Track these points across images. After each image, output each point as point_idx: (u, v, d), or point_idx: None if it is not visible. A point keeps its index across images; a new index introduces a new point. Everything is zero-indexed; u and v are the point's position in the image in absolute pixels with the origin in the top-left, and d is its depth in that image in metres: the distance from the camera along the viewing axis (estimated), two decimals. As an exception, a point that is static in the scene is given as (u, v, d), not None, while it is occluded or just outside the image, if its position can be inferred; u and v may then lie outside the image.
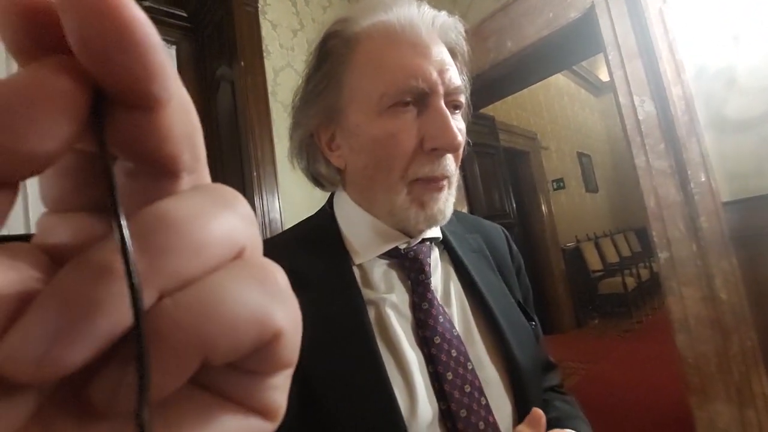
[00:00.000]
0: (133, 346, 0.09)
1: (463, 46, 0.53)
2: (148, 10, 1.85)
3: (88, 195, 0.12)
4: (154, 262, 0.10)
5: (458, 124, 0.48)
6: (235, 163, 1.82)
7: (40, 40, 0.10)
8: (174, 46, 1.97)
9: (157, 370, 0.10)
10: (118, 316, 0.09)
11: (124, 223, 0.09)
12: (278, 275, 0.12)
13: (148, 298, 0.10)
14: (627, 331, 4.01)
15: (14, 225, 1.42)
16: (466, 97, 0.52)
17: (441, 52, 0.48)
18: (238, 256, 0.12)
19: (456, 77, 0.48)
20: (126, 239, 0.09)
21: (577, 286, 4.51)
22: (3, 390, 0.09)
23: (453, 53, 0.52)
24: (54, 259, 0.11)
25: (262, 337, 0.11)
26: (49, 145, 0.09)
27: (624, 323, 4.21)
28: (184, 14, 1.99)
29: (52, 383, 0.10)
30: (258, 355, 0.11)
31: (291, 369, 0.13)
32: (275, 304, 0.11)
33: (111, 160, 0.10)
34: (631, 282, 4.42)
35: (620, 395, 2.57)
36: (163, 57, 0.10)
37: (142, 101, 0.10)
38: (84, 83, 0.09)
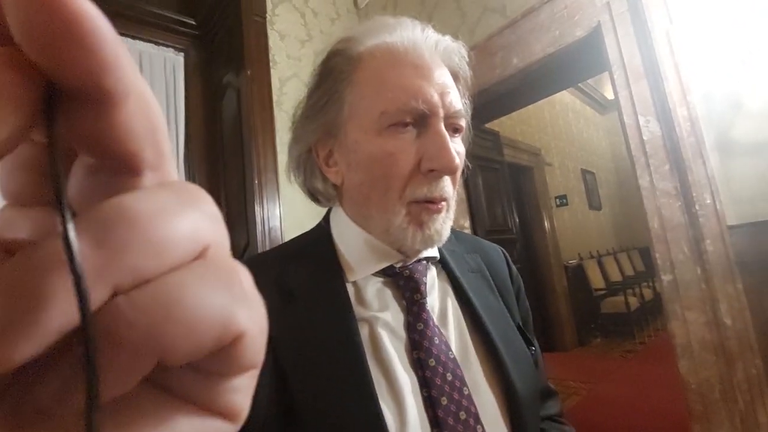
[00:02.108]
0: (82, 345, 0.09)
1: (466, 70, 0.53)
2: (157, 18, 1.88)
3: (48, 189, 0.11)
4: (109, 256, 0.09)
5: (457, 147, 0.48)
6: (238, 169, 1.82)
7: None
8: (182, 53, 1.99)
9: (108, 369, 0.09)
10: (63, 310, 0.09)
11: (68, 215, 0.09)
12: (242, 276, 0.12)
13: (100, 294, 0.09)
14: (629, 351, 3.94)
15: None
16: (467, 121, 0.52)
17: (443, 75, 0.48)
18: (202, 255, 0.11)
19: (457, 101, 0.48)
20: (69, 231, 0.09)
21: (579, 304, 4.46)
22: None
23: (455, 77, 0.52)
24: (11, 254, 0.10)
25: (222, 338, 0.11)
26: None
27: (626, 343, 4.15)
28: (193, 22, 2.01)
29: None
30: (219, 357, 0.11)
31: (255, 371, 0.13)
32: (238, 306, 0.11)
33: (59, 152, 0.10)
34: (633, 302, 4.37)
35: (622, 418, 2.51)
36: (117, 50, 0.09)
37: (96, 96, 0.10)
38: (32, 76, 0.09)
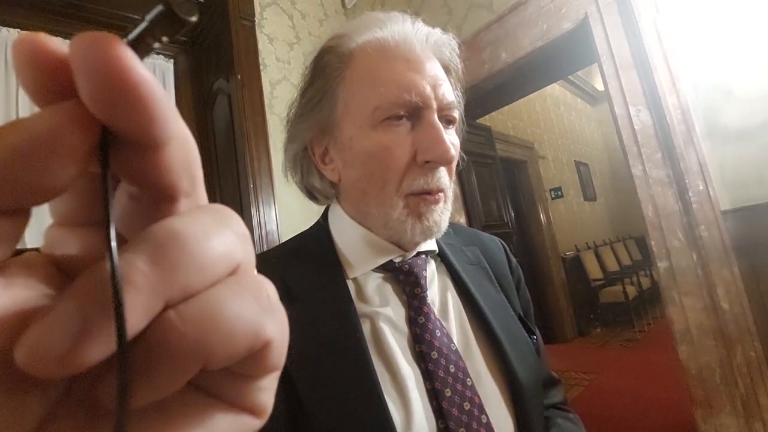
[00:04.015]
0: (140, 349, 0.10)
1: (457, 63, 0.54)
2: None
3: (94, 212, 0.13)
4: (163, 274, 0.11)
5: (451, 138, 0.48)
6: (232, 175, 1.81)
7: (53, 87, 0.11)
8: (171, 60, 1.98)
9: (160, 374, 0.11)
10: (132, 320, 0.10)
11: (114, 246, 0.10)
12: (270, 290, 0.13)
13: (155, 307, 0.11)
14: (629, 340, 3.97)
15: None
16: (460, 113, 0.52)
17: (434, 68, 0.48)
18: (234, 272, 0.13)
19: (449, 92, 0.48)
20: (115, 259, 0.10)
21: (578, 295, 4.48)
22: (20, 387, 0.10)
23: (447, 70, 0.52)
24: (62, 268, 0.12)
25: (254, 346, 0.12)
26: (58, 180, 0.10)
27: (626, 332, 4.17)
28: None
29: (65, 383, 0.11)
30: (249, 361, 0.13)
31: (278, 372, 0.15)
32: (266, 317, 0.13)
33: (111, 190, 0.11)
34: (631, 291, 4.40)
35: (624, 407, 2.53)
36: (164, 106, 0.11)
37: (144, 142, 0.11)
38: (90, 127, 0.11)
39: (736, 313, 1.18)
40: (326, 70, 0.50)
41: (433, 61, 0.49)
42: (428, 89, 0.45)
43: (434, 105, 0.46)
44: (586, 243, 5.11)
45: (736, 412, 1.19)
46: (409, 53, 0.47)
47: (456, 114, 0.50)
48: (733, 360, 1.19)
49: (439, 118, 0.47)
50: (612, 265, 5.11)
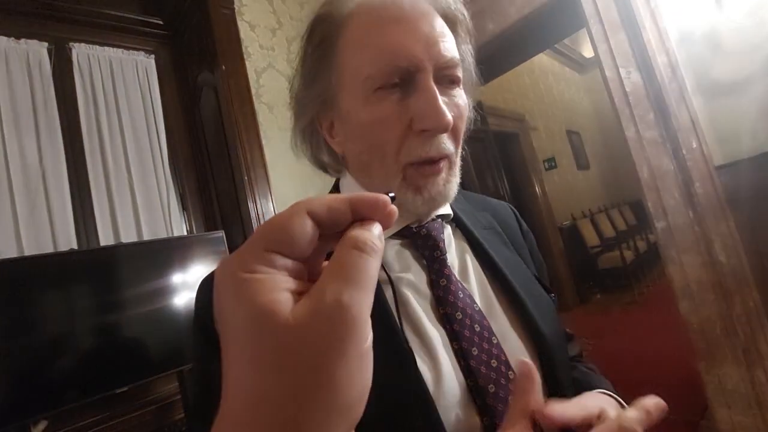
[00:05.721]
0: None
1: (463, 11, 0.50)
2: (123, 21, 1.82)
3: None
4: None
5: (457, 99, 0.46)
6: (225, 169, 1.80)
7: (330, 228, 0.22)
8: (152, 56, 1.93)
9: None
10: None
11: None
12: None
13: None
14: (630, 303, 4.04)
15: (7, 248, 1.40)
16: (468, 68, 0.50)
17: (429, 23, 0.44)
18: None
19: (450, 48, 0.45)
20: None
21: (576, 263, 4.54)
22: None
23: (450, 21, 0.48)
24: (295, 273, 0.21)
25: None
26: (310, 249, 0.22)
27: (626, 296, 4.25)
28: (160, 22, 1.95)
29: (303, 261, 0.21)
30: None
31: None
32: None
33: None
34: (629, 255, 4.46)
35: (629, 368, 2.59)
36: (389, 209, 0.23)
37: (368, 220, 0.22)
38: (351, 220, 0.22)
39: (734, 265, 1.21)
40: (320, 40, 0.48)
41: (429, 15, 0.45)
42: (420, 50, 0.42)
43: (429, 66, 0.43)
44: (582, 211, 5.15)
45: (737, 361, 1.22)
46: (399, 12, 0.44)
47: (458, 72, 0.46)
48: (732, 311, 1.22)
49: (440, 78, 0.44)
50: (608, 231, 5.16)
